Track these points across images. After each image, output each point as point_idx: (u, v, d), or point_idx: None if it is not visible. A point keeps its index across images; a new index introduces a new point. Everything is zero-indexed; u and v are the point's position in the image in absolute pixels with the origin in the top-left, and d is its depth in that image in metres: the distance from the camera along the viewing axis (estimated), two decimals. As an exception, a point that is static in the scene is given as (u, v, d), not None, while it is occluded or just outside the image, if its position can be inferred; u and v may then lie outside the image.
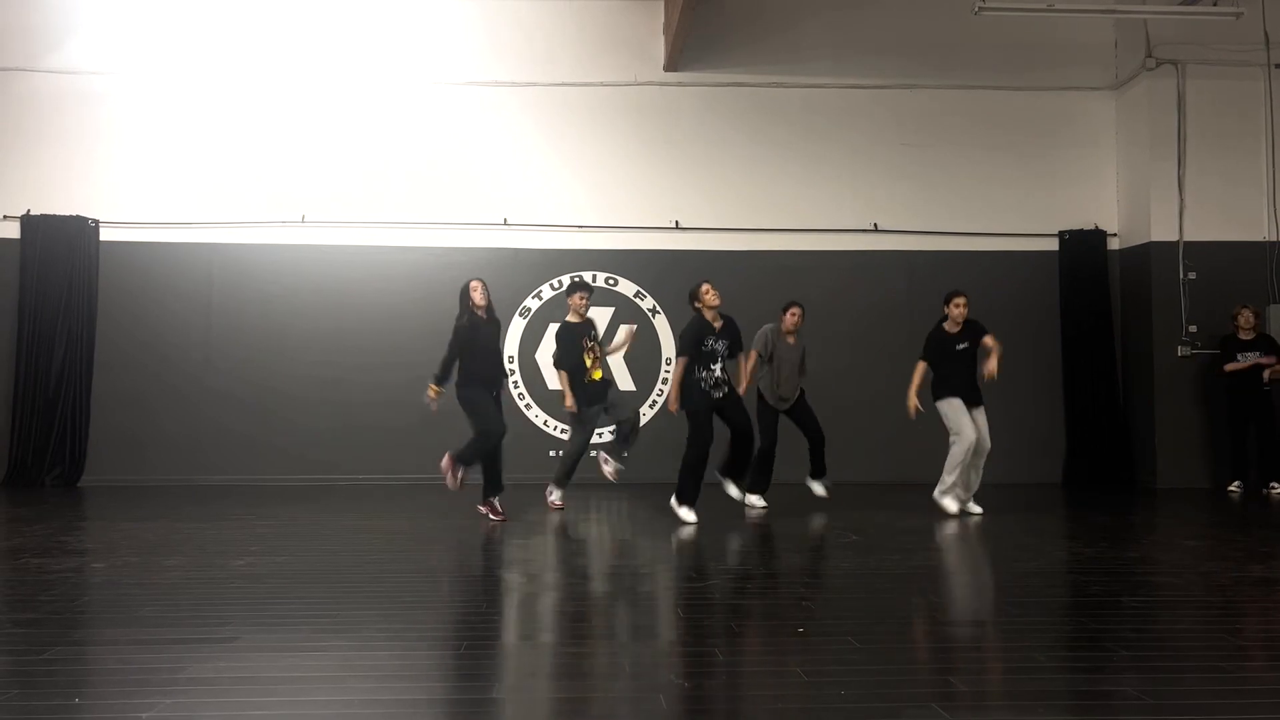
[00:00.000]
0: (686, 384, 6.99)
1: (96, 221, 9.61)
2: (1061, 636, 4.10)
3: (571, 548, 6.30)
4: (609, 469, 7.43)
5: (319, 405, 9.57)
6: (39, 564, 5.29)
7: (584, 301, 7.53)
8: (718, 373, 7.05)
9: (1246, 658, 3.67)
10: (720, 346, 7.07)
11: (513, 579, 5.23)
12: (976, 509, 7.40)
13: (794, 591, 4.97)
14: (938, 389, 7.39)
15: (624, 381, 9.54)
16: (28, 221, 9.57)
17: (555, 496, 7.55)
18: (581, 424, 7.41)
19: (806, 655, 3.61)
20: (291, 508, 7.73)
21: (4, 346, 9.53)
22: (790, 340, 7.84)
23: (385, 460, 9.37)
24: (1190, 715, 2.96)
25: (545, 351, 9.80)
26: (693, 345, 6.99)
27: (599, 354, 7.50)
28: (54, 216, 9.54)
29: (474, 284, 7.12)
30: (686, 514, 6.96)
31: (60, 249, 9.49)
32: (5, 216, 9.60)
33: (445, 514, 7.30)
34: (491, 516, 6.99)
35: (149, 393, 9.56)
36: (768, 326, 7.89)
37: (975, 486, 7.44)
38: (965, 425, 7.21)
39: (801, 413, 7.86)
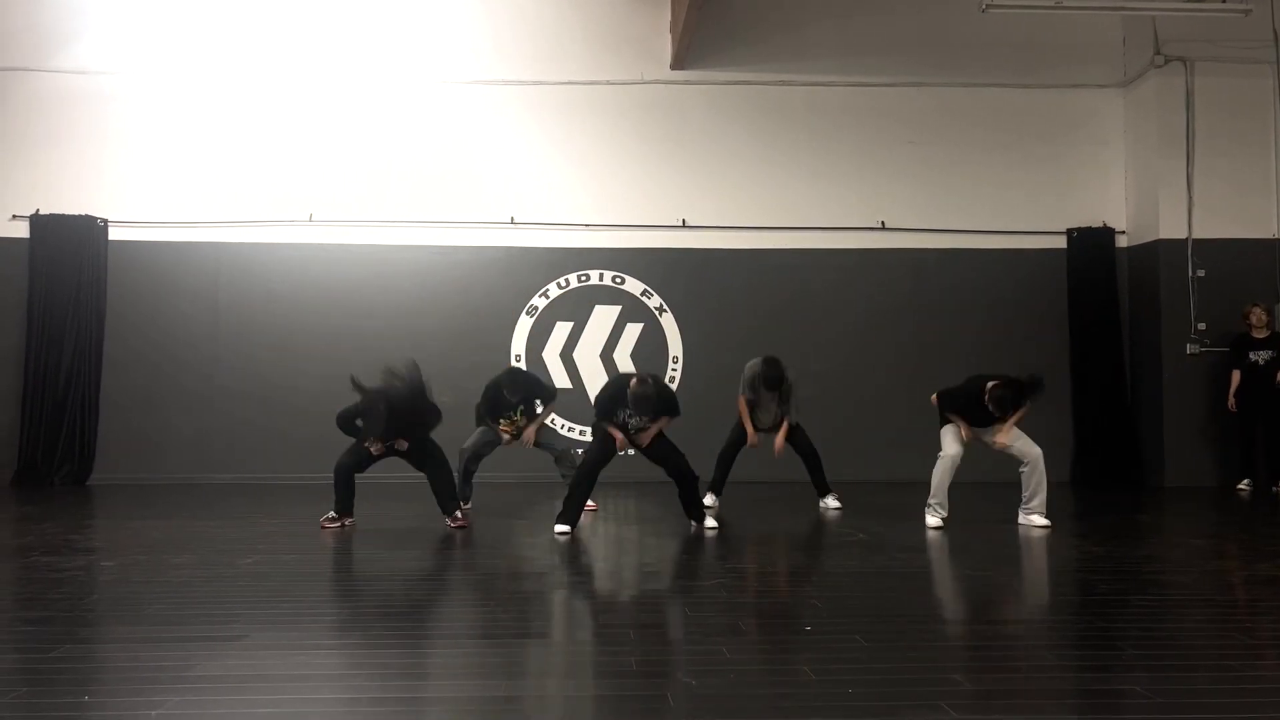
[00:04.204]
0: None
1: (105, 221, 9.63)
2: (1070, 635, 4.09)
3: (578, 546, 6.29)
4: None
5: (327, 403, 9.50)
6: (48, 562, 5.31)
7: (507, 428, 7.58)
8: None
9: (1257, 656, 3.65)
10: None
11: (520, 577, 5.23)
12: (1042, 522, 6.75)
13: (802, 590, 4.97)
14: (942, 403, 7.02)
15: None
16: (37, 221, 9.59)
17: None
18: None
19: (814, 654, 3.61)
20: (300, 506, 7.74)
21: (13, 346, 9.55)
22: None
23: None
24: (1200, 714, 2.96)
25: (553, 351, 9.82)
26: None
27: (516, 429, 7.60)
28: (63, 216, 9.57)
29: None
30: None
31: (69, 248, 9.52)
32: (14, 216, 9.62)
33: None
34: (325, 525, 6.85)
35: (158, 391, 9.58)
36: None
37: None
38: (948, 443, 6.90)
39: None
